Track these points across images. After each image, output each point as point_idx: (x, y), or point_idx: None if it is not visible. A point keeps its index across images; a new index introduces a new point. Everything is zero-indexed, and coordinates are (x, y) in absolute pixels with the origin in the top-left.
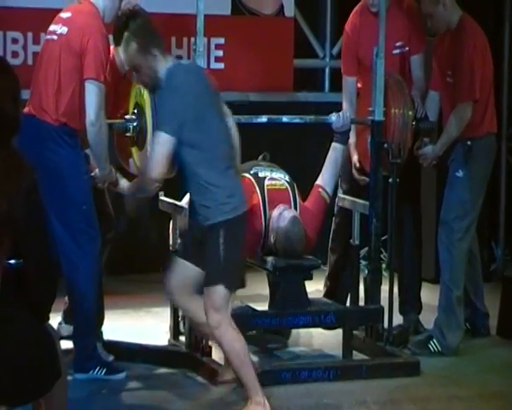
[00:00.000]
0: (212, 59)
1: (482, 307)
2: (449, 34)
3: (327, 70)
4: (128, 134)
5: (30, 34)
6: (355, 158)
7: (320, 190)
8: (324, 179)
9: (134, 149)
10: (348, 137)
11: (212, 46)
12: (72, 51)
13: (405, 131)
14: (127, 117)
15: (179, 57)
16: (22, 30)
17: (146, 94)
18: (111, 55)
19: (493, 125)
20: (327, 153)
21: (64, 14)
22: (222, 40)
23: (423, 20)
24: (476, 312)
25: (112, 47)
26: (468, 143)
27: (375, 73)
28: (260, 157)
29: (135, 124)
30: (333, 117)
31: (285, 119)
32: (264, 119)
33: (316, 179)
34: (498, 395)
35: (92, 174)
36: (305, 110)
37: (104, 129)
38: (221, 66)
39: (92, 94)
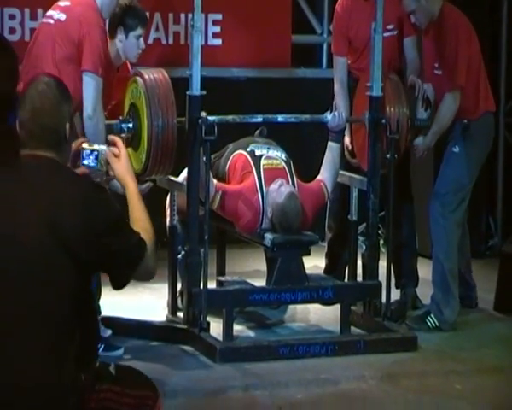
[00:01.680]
0: (210, 35)
1: (472, 281)
2: (432, 26)
3: (324, 46)
4: (123, 135)
5: (27, 10)
6: (347, 140)
7: (321, 183)
8: (324, 177)
9: (129, 150)
10: (344, 136)
11: (210, 22)
12: (69, 39)
13: (401, 130)
14: (122, 118)
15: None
16: (19, 6)
17: (143, 95)
18: None
19: (490, 104)
20: (325, 131)
21: (62, 3)
22: (219, 16)
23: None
24: (468, 286)
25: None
26: (465, 121)
27: (372, 49)
28: (257, 132)
29: (130, 125)
30: (328, 116)
31: (280, 118)
32: (259, 118)
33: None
34: (496, 369)
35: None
36: (303, 86)
37: (102, 122)
38: (219, 42)
39: (90, 87)
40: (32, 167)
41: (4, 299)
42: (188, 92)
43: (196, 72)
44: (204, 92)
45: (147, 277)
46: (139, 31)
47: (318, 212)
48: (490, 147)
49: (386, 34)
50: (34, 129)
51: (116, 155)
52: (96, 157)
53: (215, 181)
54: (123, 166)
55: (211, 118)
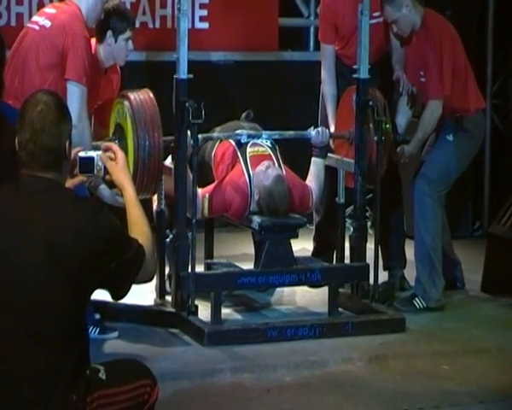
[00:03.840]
0: (197, 18)
1: (455, 258)
2: (415, 35)
3: (311, 29)
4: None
5: None
6: (332, 129)
7: (309, 188)
8: (311, 187)
9: None
10: (328, 151)
11: (197, 5)
12: (53, 48)
13: (384, 147)
14: (108, 138)
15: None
16: None
17: (129, 116)
18: (93, 51)
19: (480, 101)
20: (311, 115)
21: (48, 10)
22: None
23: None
24: (452, 264)
25: (94, 42)
26: (458, 114)
27: (359, 31)
28: (243, 115)
29: None
30: (312, 132)
31: (264, 135)
32: (244, 136)
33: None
34: (483, 350)
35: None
36: (290, 69)
37: (87, 130)
38: (206, 25)
39: (74, 96)
40: (31, 189)
41: (0, 319)
42: (175, 76)
43: (183, 55)
44: (191, 76)
45: (147, 279)
46: (128, 33)
47: (302, 210)
48: (480, 143)
49: (372, 21)
50: (35, 150)
51: (112, 159)
52: (92, 163)
53: (199, 190)
54: (119, 169)
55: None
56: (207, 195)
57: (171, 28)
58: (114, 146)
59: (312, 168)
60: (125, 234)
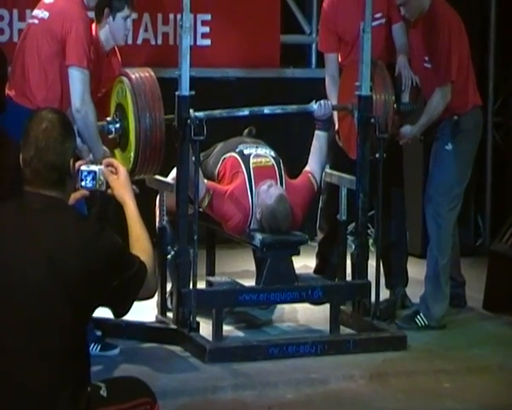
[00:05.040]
0: (199, 35)
1: (460, 278)
2: (422, 20)
3: (313, 46)
4: (110, 136)
5: (15, 11)
6: (338, 125)
7: (309, 175)
8: (312, 167)
9: (116, 152)
10: (330, 124)
11: (199, 22)
12: (53, 36)
13: (387, 114)
14: (109, 119)
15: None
16: (8, 7)
17: (129, 95)
18: (93, 33)
19: (477, 98)
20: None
21: (47, 0)
22: (208, 16)
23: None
24: (456, 283)
25: (94, 25)
26: (455, 117)
27: (361, 48)
28: (246, 132)
29: (117, 126)
30: (314, 105)
31: (266, 110)
32: (246, 112)
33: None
34: (485, 368)
35: (88, 159)
36: (292, 86)
37: (91, 113)
38: (208, 42)
39: (76, 80)
40: (35, 206)
41: (3, 335)
42: (177, 93)
43: (185, 72)
44: (193, 92)
45: (148, 296)
46: (126, 11)
47: (310, 204)
48: (479, 139)
49: (374, 23)
50: (39, 168)
51: (114, 173)
52: (94, 177)
53: (206, 181)
54: (121, 184)
55: (198, 114)
56: (211, 191)
57: (173, 45)
58: (116, 162)
59: (315, 142)
60: (128, 252)
